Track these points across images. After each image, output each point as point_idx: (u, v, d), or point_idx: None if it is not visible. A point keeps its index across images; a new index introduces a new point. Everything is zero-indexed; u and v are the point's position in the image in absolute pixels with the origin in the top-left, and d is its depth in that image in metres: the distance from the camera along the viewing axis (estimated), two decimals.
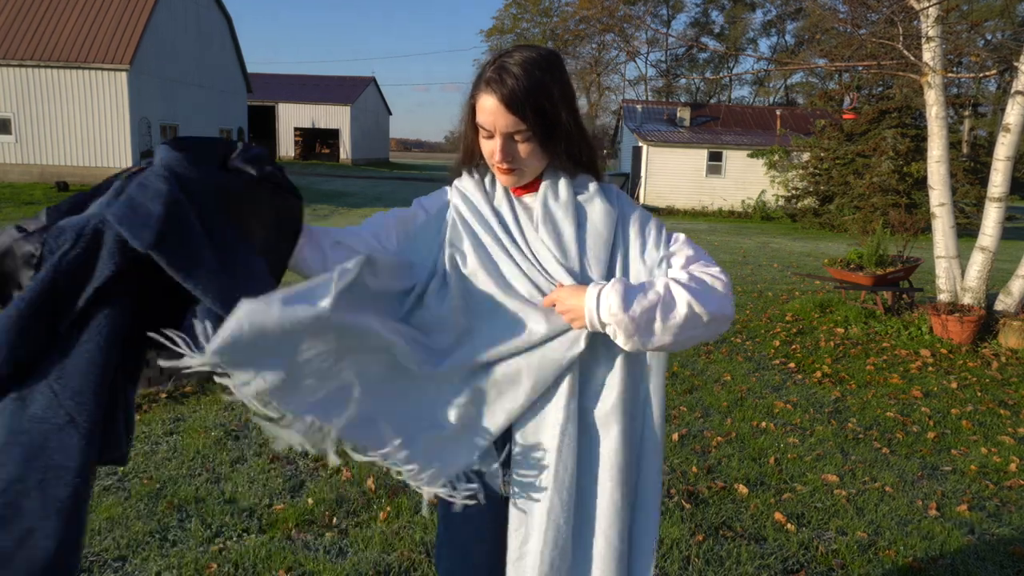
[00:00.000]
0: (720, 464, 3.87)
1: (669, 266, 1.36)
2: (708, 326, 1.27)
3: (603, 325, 1.26)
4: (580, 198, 1.41)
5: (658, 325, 1.25)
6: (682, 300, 1.25)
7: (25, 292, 0.97)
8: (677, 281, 1.28)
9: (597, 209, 1.40)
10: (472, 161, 1.46)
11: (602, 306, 1.25)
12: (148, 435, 3.94)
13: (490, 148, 1.35)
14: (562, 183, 1.41)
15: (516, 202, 1.43)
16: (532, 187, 1.43)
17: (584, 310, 1.27)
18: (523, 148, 1.34)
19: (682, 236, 1.42)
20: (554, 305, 1.32)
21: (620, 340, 1.27)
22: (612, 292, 1.25)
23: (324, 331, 1.13)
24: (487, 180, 1.46)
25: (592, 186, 1.43)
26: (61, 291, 0.97)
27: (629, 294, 1.25)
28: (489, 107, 1.30)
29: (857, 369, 5.78)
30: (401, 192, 26.74)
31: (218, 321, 1.04)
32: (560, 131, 1.35)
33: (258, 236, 1.19)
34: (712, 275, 1.31)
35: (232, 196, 1.15)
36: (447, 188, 1.50)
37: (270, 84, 47.31)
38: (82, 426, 0.99)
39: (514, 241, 1.38)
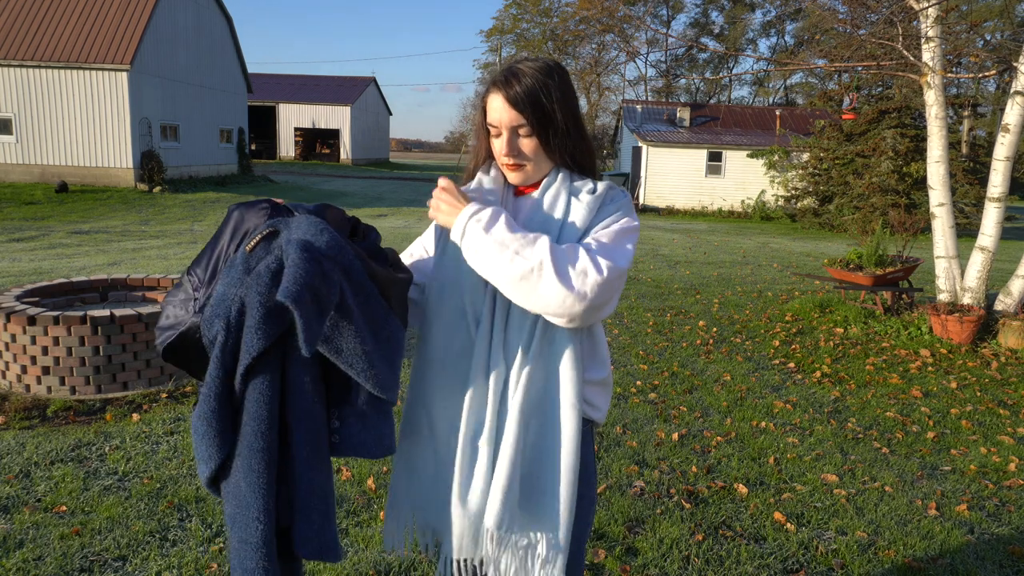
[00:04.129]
0: (720, 464, 3.87)
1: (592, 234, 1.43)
2: (539, 289, 1.30)
3: (462, 233, 1.37)
4: (574, 196, 1.48)
5: (504, 256, 1.31)
6: (540, 253, 1.30)
7: (208, 388, 1.13)
8: (550, 243, 1.32)
9: (582, 205, 1.46)
10: (482, 162, 1.56)
11: (471, 217, 1.36)
12: (148, 435, 3.94)
13: (498, 146, 1.47)
14: (559, 182, 1.49)
15: (513, 201, 1.54)
16: (535, 186, 1.53)
17: (455, 218, 1.39)
18: (526, 143, 1.45)
19: (621, 225, 1.43)
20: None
21: (468, 252, 1.36)
22: (487, 215, 1.35)
23: None
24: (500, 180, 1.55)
25: (588, 185, 1.49)
26: (228, 372, 1.13)
27: (499, 229, 1.34)
28: (496, 105, 1.44)
29: (857, 369, 5.78)
30: (401, 192, 26.73)
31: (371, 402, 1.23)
32: (557, 128, 1.44)
33: (394, 307, 1.31)
34: (592, 263, 1.32)
35: (379, 276, 1.27)
36: None
37: (270, 84, 47.32)
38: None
39: None
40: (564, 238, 1.42)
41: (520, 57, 1.49)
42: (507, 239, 1.32)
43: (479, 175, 1.54)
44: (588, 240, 1.39)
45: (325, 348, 1.16)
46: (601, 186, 1.49)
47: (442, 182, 1.43)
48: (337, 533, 1.22)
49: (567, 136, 1.46)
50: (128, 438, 3.89)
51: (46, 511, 3.10)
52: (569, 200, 1.46)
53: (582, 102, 55.84)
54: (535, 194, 1.50)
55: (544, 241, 1.32)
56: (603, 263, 1.33)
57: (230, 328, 1.11)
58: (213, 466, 1.13)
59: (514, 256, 1.30)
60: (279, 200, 1.30)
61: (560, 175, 1.49)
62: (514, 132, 1.44)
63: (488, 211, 1.36)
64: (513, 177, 1.49)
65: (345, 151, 46.79)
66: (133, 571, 2.70)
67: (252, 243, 1.17)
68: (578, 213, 1.44)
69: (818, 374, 5.60)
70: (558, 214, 1.44)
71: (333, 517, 1.21)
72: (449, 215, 1.40)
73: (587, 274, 1.31)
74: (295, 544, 1.19)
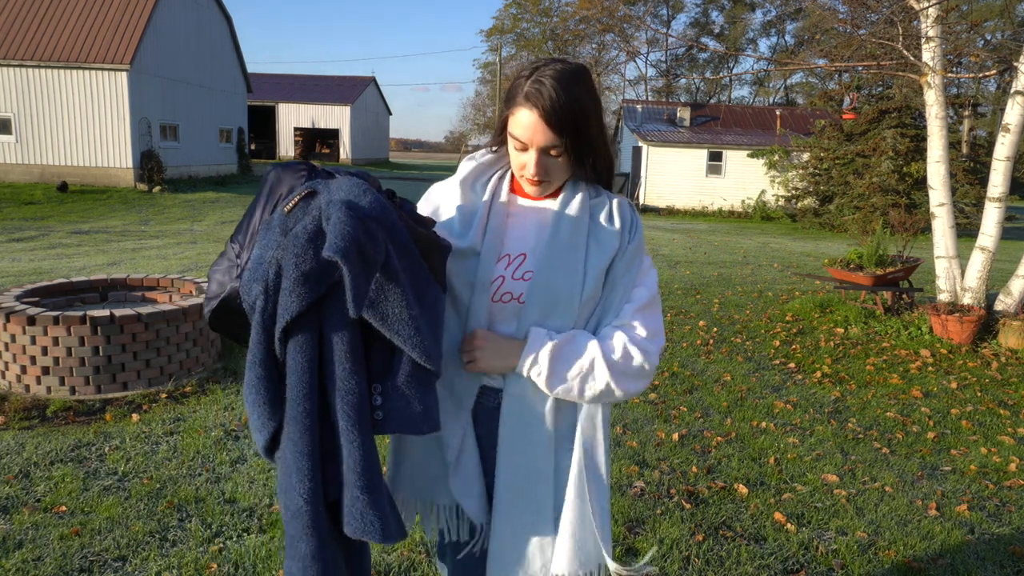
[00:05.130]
0: (720, 464, 3.87)
1: (619, 311, 1.42)
2: (614, 397, 1.39)
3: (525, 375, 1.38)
4: (596, 215, 1.44)
5: (573, 393, 1.37)
6: (602, 378, 1.36)
7: (252, 355, 1.11)
8: (604, 356, 1.36)
9: (607, 229, 1.43)
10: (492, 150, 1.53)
11: (531, 371, 1.36)
12: (148, 435, 3.94)
13: (521, 161, 1.38)
14: (581, 197, 1.44)
15: (517, 204, 1.49)
16: (552, 194, 1.46)
17: (513, 366, 1.37)
18: (557, 163, 1.37)
19: (650, 284, 1.45)
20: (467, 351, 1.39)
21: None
22: (545, 360, 1.35)
23: None
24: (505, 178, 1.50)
25: (607, 204, 1.45)
26: (271, 337, 1.10)
27: (557, 368, 1.35)
28: (527, 122, 1.32)
29: (857, 369, 5.78)
30: (401, 192, 26.63)
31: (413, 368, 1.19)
32: (592, 148, 1.38)
33: (437, 273, 1.30)
34: (644, 355, 1.39)
35: (422, 239, 1.25)
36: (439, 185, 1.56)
37: (270, 84, 47.31)
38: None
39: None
40: (589, 270, 1.39)
41: (543, 60, 1.36)
42: (567, 376, 1.36)
43: (476, 166, 1.50)
44: (630, 322, 1.41)
45: (370, 314, 1.11)
46: (617, 213, 1.45)
47: (479, 333, 1.38)
48: (385, 513, 1.14)
49: (597, 152, 1.40)
50: (128, 438, 3.89)
51: (46, 511, 3.09)
52: (590, 226, 1.42)
53: None
54: (553, 207, 1.43)
55: (600, 363, 1.36)
56: (653, 348, 1.41)
57: (268, 292, 1.08)
58: (266, 435, 1.11)
59: (581, 388, 1.37)
60: (316, 163, 1.27)
61: (579, 191, 1.44)
62: (545, 152, 1.35)
63: (542, 356, 1.35)
64: (531, 190, 1.43)
65: (345, 151, 46.78)
66: (133, 571, 2.70)
67: (290, 204, 1.14)
68: (602, 246, 1.41)
69: (818, 374, 5.60)
70: (580, 239, 1.40)
71: (379, 494, 1.13)
72: (505, 362, 1.38)
73: (644, 370, 1.40)
74: (343, 521, 1.14)
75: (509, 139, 1.38)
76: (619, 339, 1.38)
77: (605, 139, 1.41)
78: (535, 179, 1.38)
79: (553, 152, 1.35)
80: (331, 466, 1.13)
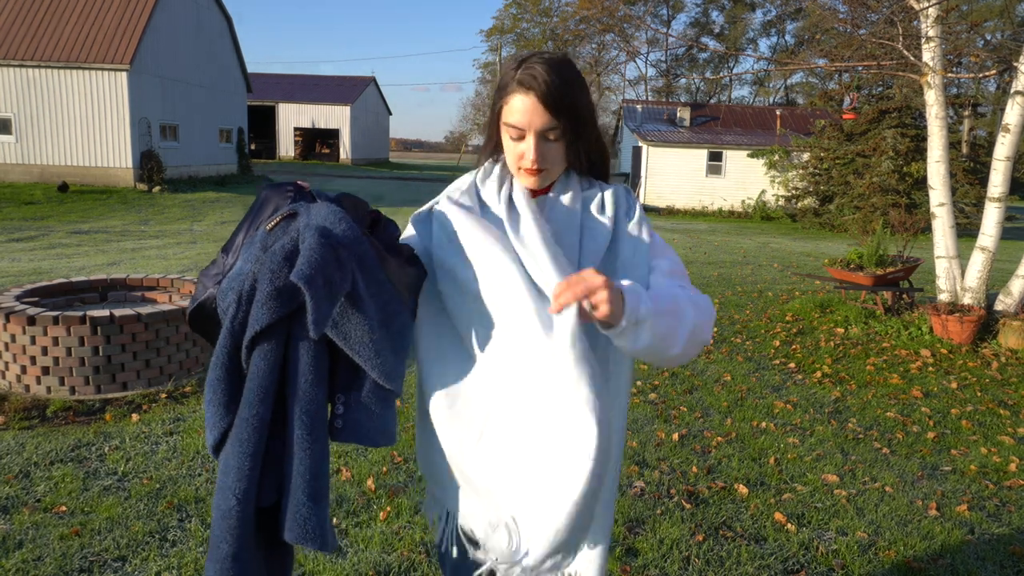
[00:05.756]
0: (720, 464, 3.87)
1: (657, 271, 1.39)
2: (701, 340, 1.33)
3: (637, 322, 1.21)
4: (588, 205, 1.42)
5: (672, 331, 1.26)
6: (690, 317, 1.29)
7: (216, 356, 1.17)
8: (688, 299, 1.31)
9: (599, 219, 1.41)
10: (494, 154, 1.46)
11: (642, 306, 1.21)
12: (148, 435, 3.94)
13: (519, 150, 1.35)
14: (574, 188, 1.42)
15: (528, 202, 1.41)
16: (544, 189, 1.43)
17: (625, 305, 1.19)
18: (554, 148, 1.35)
19: (672, 264, 1.42)
20: (566, 290, 1.22)
21: (637, 335, 1.23)
22: (649, 301, 1.23)
23: None
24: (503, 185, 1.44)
25: (599, 194, 1.43)
26: (236, 343, 1.17)
27: (657, 300, 1.25)
28: (524, 106, 1.31)
29: (857, 369, 5.78)
30: (401, 192, 26.72)
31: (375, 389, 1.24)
32: (587, 135, 1.37)
33: (405, 301, 1.32)
34: (707, 303, 1.37)
35: (393, 269, 1.28)
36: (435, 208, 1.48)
37: (270, 84, 47.31)
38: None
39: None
40: (584, 263, 1.35)
41: (528, 53, 1.36)
42: (669, 311, 1.25)
43: (476, 181, 1.45)
44: (681, 284, 1.37)
45: (333, 333, 1.17)
46: (610, 201, 1.42)
47: (592, 274, 1.18)
48: (327, 521, 1.19)
49: (590, 140, 1.39)
50: (128, 438, 3.89)
51: (46, 511, 3.09)
52: (583, 217, 1.40)
53: None
54: (548, 201, 1.41)
55: (684, 304, 1.29)
56: (712, 302, 1.39)
57: (241, 301, 1.15)
58: (216, 433, 1.16)
59: (674, 329, 1.27)
60: (304, 184, 1.31)
61: (571, 183, 1.42)
62: (543, 136, 1.33)
63: (644, 301, 1.21)
64: (529, 182, 1.39)
65: (345, 151, 46.78)
66: (133, 571, 2.70)
67: (272, 223, 1.22)
68: (595, 235, 1.39)
69: (819, 374, 5.60)
70: (574, 235, 1.38)
71: (322, 503, 1.17)
72: (619, 305, 1.19)
73: (711, 313, 1.37)
74: (281, 527, 1.18)
75: (504, 130, 1.36)
76: (677, 288, 1.35)
77: (597, 129, 1.40)
78: (534, 167, 1.35)
79: (551, 136, 1.33)
80: (272, 473, 1.18)
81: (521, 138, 1.34)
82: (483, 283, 1.31)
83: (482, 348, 1.35)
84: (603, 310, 1.16)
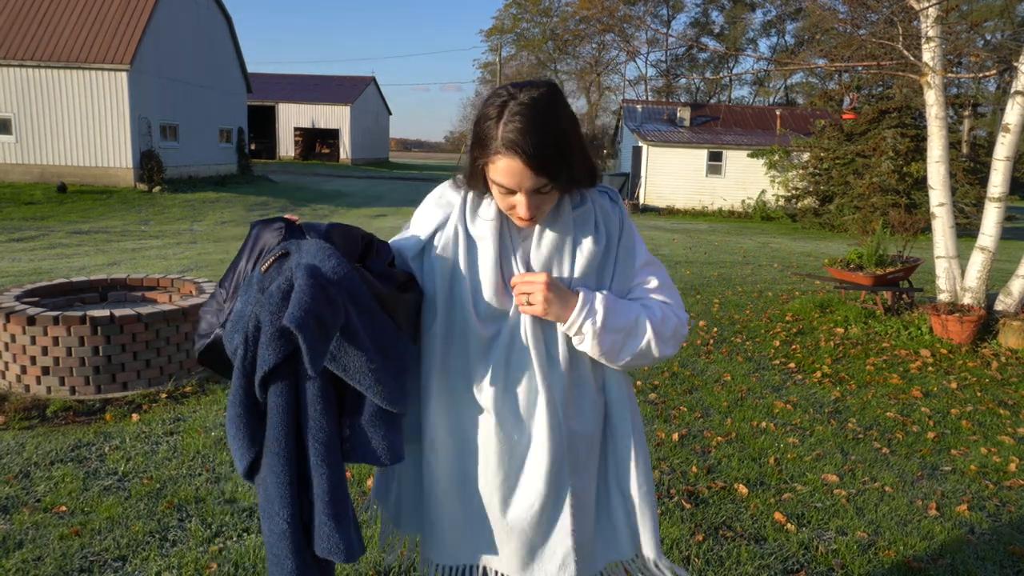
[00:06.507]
0: (720, 464, 3.87)
1: (642, 286, 1.47)
2: (649, 359, 1.42)
3: (579, 330, 1.35)
4: (580, 225, 1.42)
5: (616, 348, 1.38)
6: (645, 335, 1.39)
7: (233, 395, 1.25)
8: (649, 315, 1.41)
9: (589, 241, 1.41)
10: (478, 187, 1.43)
11: (587, 318, 1.34)
12: (148, 435, 3.94)
13: (510, 202, 1.33)
14: (564, 210, 1.40)
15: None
16: None
17: (571, 314, 1.35)
18: (547, 198, 1.33)
19: (661, 280, 1.48)
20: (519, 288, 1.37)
21: (581, 344, 1.38)
22: (600, 308, 1.35)
23: None
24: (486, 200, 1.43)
25: (591, 212, 1.42)
26: (250, 381, 1.24)
27: (610, 320, 1.36)
28: (511, 169, 1.26)
29: (857, 369, 5.78)
30: (401, 192, 26.72)
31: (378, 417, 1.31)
32: (575, 162, 1.33)
33: (402, 326, 1.38)
34: (678, 321, 1.44)
35: (386, 298, 1.33)
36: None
37: (270, 84, 47.33)
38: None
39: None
40: (576, 273, 1.40)
41: (507, 92, 1.29)
42: (619, 327, 1.37)
43: (467, 209, 1.42)
44: (658, 295, 1.46)
45: (333, 366, 1.24)
46: (599, 214, 1.43)
47: (545, 278, 1.33)
48: (350, 535, 1.29)
49: (579, 163, 1.35)
50: (128, 438, 3.89)
51: (46, 511, 3.10)
52: (574, 236, 1.40)
53: (582, 102, 55.87)
54: (536, 227, 1.41)
55: (645, 321, 1.39)
56: (684, 317, 1.47)
57: (248, 343, 1.21)
58: (245, 463, 1.26)
59: (624, 344, 1.38)
60: (294, 218, 1.35)
61: (563, 202, 1.41)
62: (534, 193, 1.30)
63: (598, 305, 1.35)
64: (523, 224, 1.37)
65: (345, 151, 46.80)
66: (133, 571, 2.70)
67: (266, 265, 1.27)
68: (585, 253, 1.40)
69: (818, 374, 5.60)
70: (567, 249, 1.40)
71: (344, 520, 1.27)
72: (563, 309, 1.34)
73: (678, 334, 1.44)
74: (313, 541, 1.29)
75: (491, 184, 1.33)
76: (655, 304, 1.44)
77: (585, 148, 1.36)
78: (528, 218, 1.33)
79: (544, 191, 1.30)
80: (306, 493, 1.29)
81: (512, 193, 1.31)
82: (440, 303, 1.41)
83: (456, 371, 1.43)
84: (536, 308, 1.33)
